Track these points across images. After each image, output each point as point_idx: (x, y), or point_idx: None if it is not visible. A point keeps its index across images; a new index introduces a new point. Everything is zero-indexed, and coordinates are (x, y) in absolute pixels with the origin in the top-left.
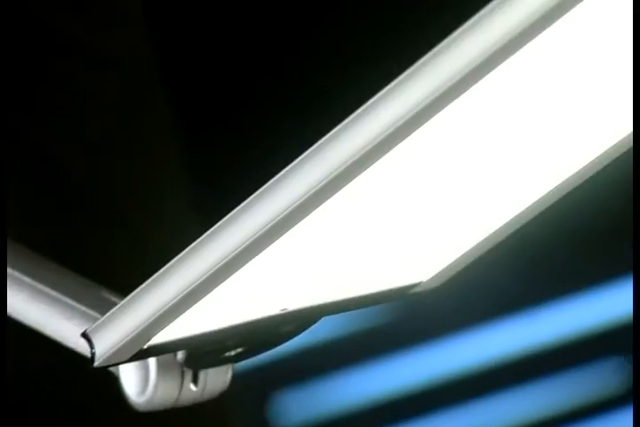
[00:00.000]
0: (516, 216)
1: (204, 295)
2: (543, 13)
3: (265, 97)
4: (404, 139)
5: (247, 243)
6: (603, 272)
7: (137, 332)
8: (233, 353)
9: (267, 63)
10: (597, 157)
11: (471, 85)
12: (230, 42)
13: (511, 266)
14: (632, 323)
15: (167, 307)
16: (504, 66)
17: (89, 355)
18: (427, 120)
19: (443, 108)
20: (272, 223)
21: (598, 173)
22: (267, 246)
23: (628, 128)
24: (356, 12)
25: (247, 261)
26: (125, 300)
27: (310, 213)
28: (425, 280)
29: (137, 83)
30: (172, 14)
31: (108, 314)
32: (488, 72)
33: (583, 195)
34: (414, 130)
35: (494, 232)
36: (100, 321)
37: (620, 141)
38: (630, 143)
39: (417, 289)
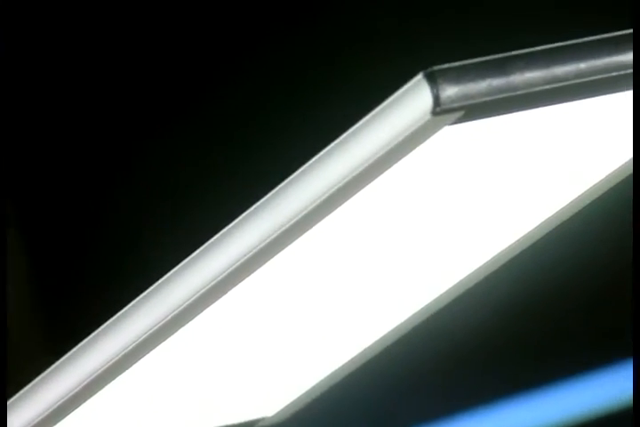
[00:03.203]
0: (360, 355)
1: None
2: None
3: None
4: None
5: (83, 384)
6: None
7: None
8: None
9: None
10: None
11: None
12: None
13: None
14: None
15: None
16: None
17: None
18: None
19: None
20: (109, 364)
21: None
22: (106, 384)
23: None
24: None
25: (85, 400)
26: None
27: (147, 353)
28: (270, 415)
29: None
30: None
31: None
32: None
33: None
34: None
35: (337, 370)
36: None
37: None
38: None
39: (263, 424)
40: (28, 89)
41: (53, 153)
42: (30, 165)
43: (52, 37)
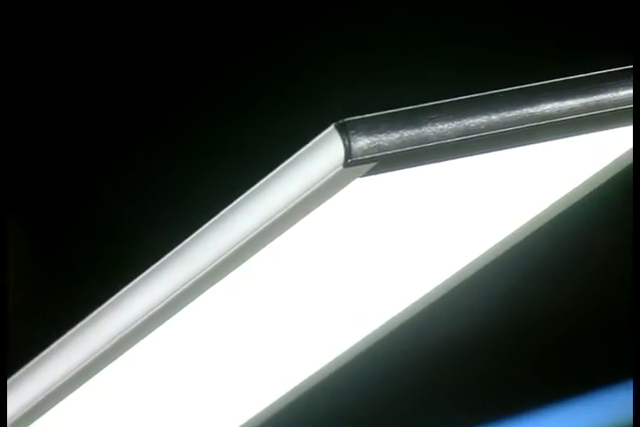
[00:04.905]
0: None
1: None
2: None
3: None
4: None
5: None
6: None
7: None
8: None
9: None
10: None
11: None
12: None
13: None
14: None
15: None
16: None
17: None
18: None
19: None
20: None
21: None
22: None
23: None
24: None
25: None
26: None
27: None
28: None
29: None
30: None
31: None
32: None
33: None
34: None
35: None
36: None
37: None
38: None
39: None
40: (8, 90)
41: (30, 157)
42: (14, 166)
43: (38, 41)
